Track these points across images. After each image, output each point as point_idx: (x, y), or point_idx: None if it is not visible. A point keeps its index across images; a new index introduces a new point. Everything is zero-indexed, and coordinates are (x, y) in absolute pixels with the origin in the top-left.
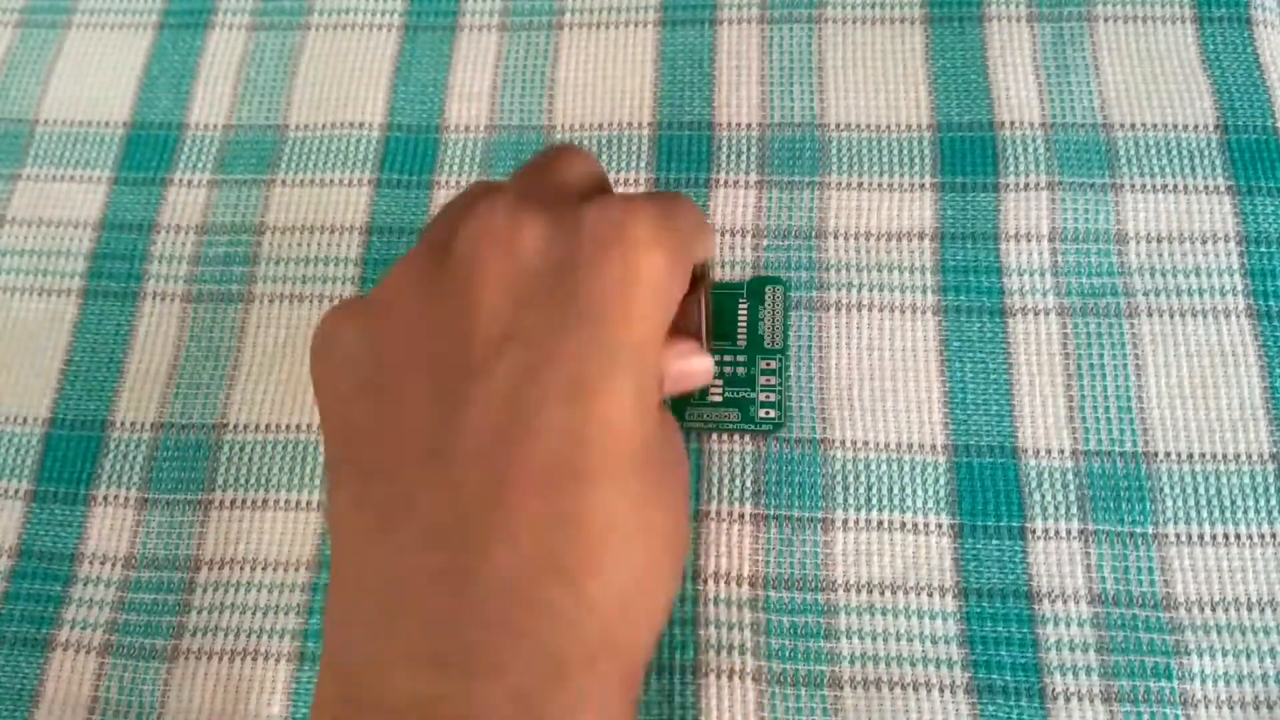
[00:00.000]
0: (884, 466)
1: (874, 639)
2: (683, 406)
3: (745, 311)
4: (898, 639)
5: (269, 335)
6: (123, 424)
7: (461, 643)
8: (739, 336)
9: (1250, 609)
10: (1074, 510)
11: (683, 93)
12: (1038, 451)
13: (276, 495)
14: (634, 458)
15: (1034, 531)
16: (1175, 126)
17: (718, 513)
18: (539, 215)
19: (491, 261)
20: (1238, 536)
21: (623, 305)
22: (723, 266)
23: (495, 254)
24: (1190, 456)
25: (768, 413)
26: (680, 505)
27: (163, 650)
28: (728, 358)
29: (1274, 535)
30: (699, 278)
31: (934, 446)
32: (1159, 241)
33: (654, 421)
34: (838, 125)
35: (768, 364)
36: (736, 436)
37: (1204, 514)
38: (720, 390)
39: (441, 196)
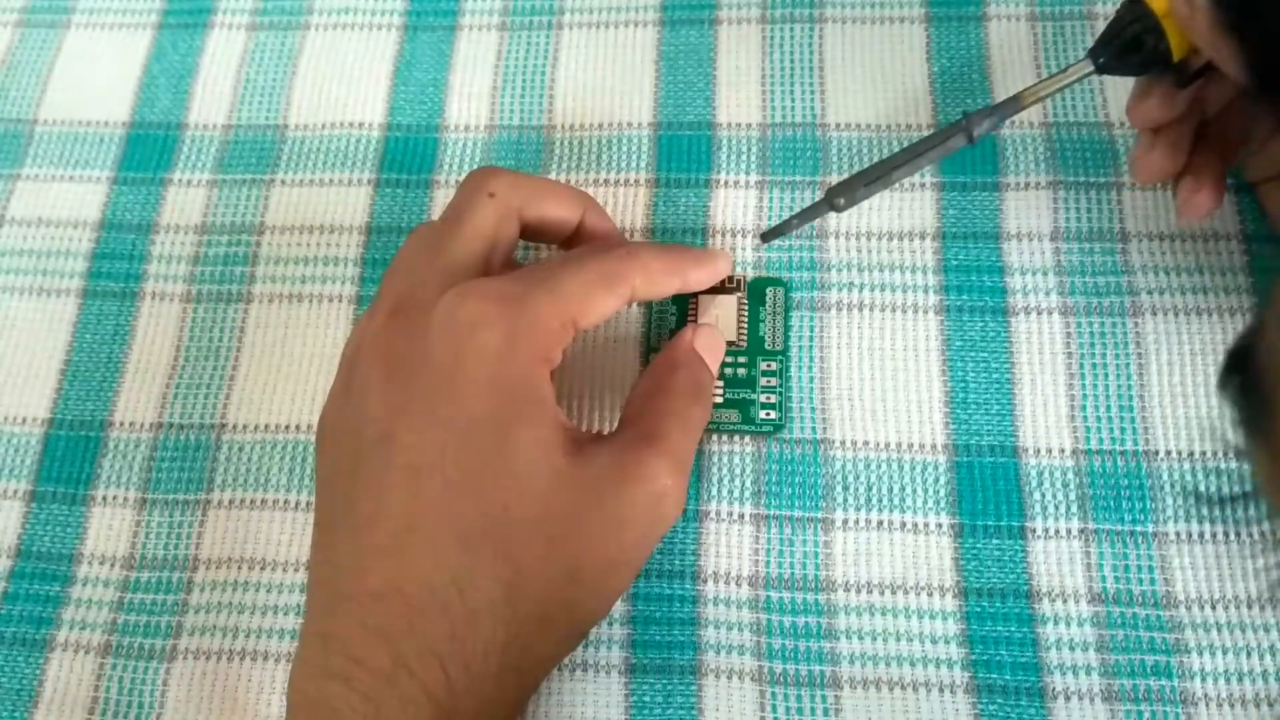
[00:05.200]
0: (884, 466)
1: (874, 639)
2: None
3: (746, 312)
4: (898, 639)
5: (268, 335)
6: (122, 424)
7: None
8: (740, 338)
9: (1250, 606)
10: (1074, 509)
11: (683, 93)
12: (1038, 451)
13: (275, 495)
14: (463, 532)
15: (1034, 531)
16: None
17: (718, 513)
18: (401, 325)
19: (374, 377)
20: (1237, 534)
21: (452, 389)
22: None
23: (376, 370)
24: (1191, 454)
25: (768, 414)
26: (565, 558)
27: (162, 650)
28: (728, 359)
29: (1274, 533)
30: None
31: (934, 446)
32: (1161, 240)
33: (511, 479)
34: (838, 125)
35: (768, 365)
36: (736, 437)
37: (1204, 512)
38: (721, 391)
39: (441, 196)
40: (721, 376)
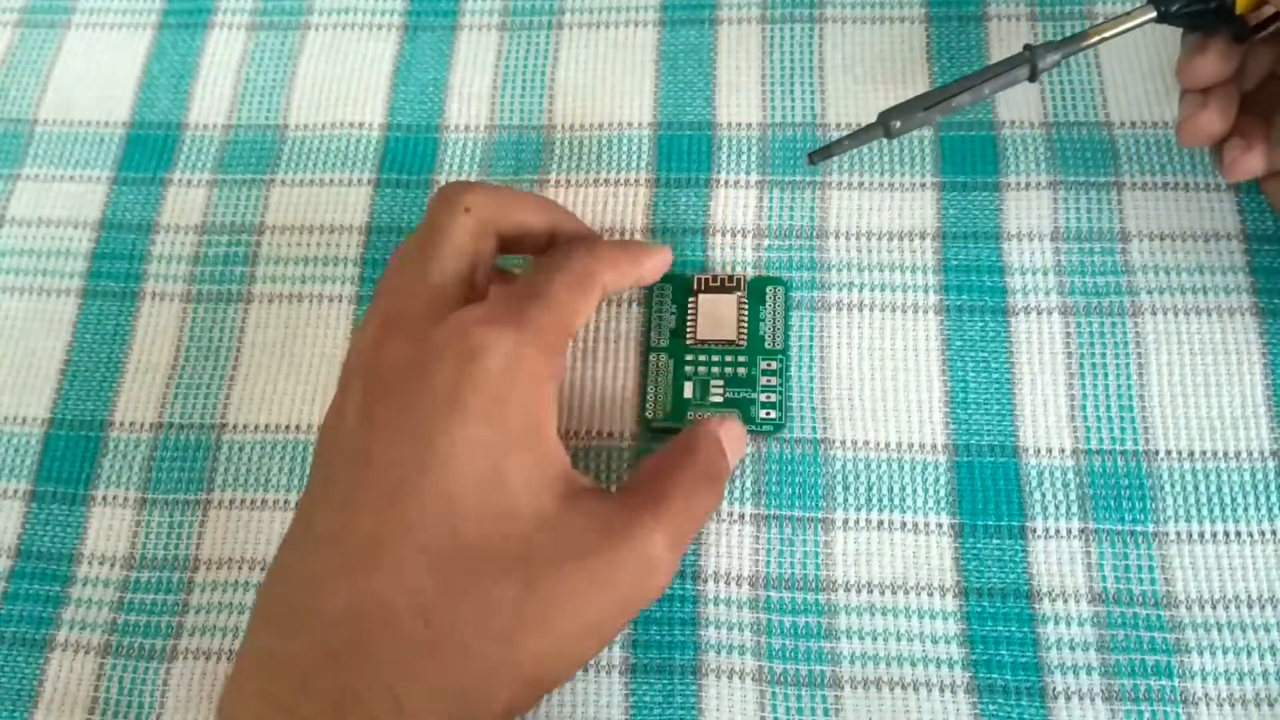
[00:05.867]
0: (885, 466)
1: (874, 639)
2: (683, 407)
3: (746, 311)
4: (898, 639)
5: (268, 335)
6: (122, 424)
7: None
8: (740, 337)
9: (1251, 606)
10: (1074, 509)
11: (683, 92)
12: (1039, 451)
13: (275, 495)
14: (434, 558)
15: (1034, 531)
16: (1176, 124)
17: (718, 513)
18: (392, 345)
19: (358, 395)
20: (1238, 534)
21: (449, 414)
22: (724, 266)
23: (360, 387)
24: (1191, 454)
25: (768, 413)
26: (554, 608)
27: (162, 650)
28: (729, 358)
29: (1274, 532)
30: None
31: (935, 446)
32: (1162, 240)
33: (496, 511)
34: (839, 125)
35: (768, 365)
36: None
37: (1204, 512)
38: (721, 390)
39: None
40: (721, 376)
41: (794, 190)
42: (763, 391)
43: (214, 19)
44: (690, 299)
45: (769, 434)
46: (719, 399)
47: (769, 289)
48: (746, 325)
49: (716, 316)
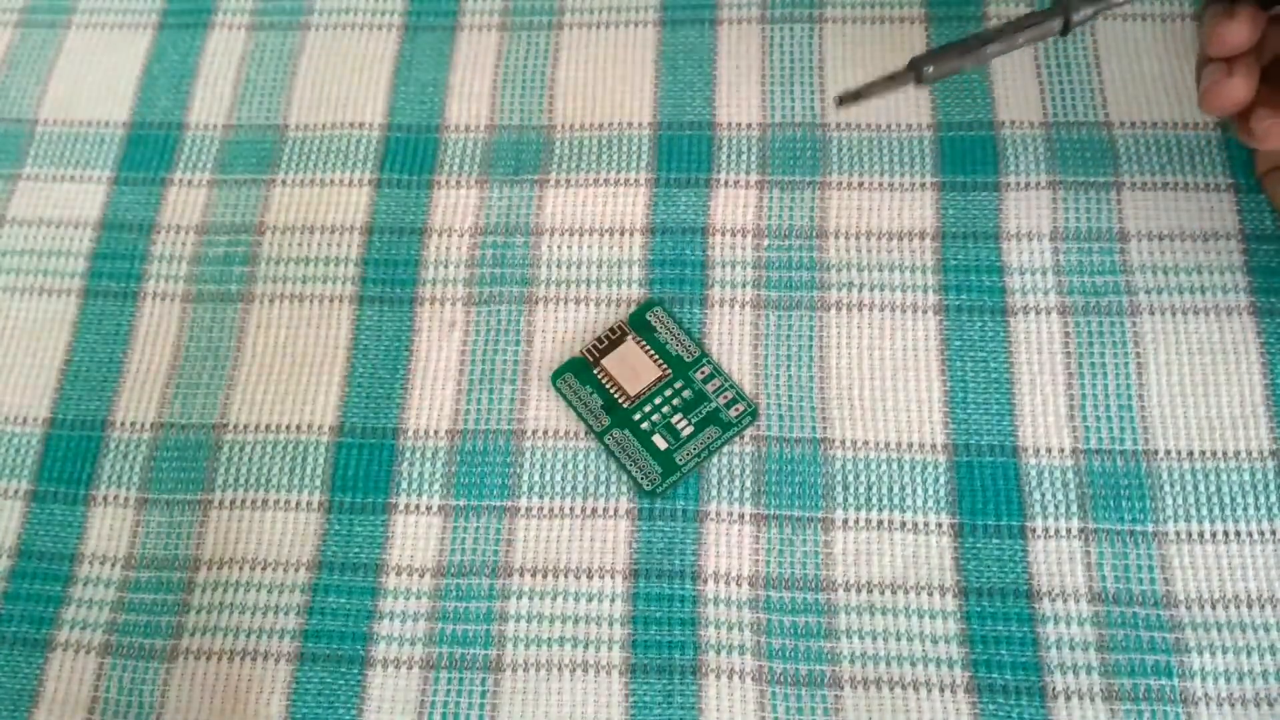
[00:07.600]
0: (884, 466)
1: (874, 638)
2: (670, 458)
3: (648, 347)
4: (898, 638)
5: (269, 335)
6: (122, 424)
7: None
8: (663, 369)
9: (1250, 606)
10: (1074, 509)
11: (683, 93)
12: (1038, 450)
13: (276, 495)
14: None
15: (1034, 530)
16: (1175, 124)
17: (718, 513)
18: None
19: None
20: (1238, 534)
21: None
22: (614, 306)
23: None
24: (1190, 454)
25: (737, 410)
26: None
27: (162, 650)
28: (668, 392)
29: (1274, 532)
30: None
31: (934, 446)
32: (1161, 239)
33: None
34: (838, 125)
35: (701, 373)
36: (735, 438)
37: (1204, 511)
38: (685, 421)
39: (442, 196)
40: (675, 411)
41: (794, 190)
42: (717, 395)
43: (214, 19)
44: (596, 370)
45: (751, 423)
46: (690, 430)
47: (648, 315)
48: (658, 355)
49: (632, 368)
